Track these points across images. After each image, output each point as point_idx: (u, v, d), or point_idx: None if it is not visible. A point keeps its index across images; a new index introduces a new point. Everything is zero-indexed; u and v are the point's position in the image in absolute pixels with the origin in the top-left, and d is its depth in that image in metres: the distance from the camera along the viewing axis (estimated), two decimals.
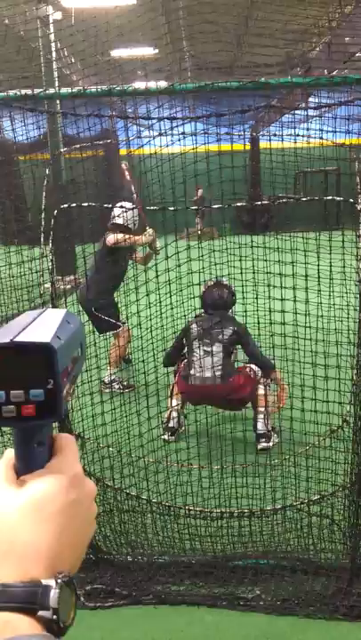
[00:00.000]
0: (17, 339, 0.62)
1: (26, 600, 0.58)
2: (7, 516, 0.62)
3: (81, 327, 0.73)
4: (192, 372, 4.77)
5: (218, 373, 4.68)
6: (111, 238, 5.74)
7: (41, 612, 0.58)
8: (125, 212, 5.92)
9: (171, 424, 5.03)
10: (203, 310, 5.07)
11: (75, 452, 0.69)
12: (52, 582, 0.59)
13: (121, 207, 5.97)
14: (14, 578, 0.59)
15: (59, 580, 0.59)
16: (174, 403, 5.05)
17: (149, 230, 5.93)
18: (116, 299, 5.98)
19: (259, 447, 4.69)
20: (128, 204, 6.05)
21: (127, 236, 5.71)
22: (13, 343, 0.61)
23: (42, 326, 0.65)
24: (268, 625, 3.03)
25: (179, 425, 5.05)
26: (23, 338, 0.62)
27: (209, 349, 4.75)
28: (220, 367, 4.71)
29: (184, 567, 3.42)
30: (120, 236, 5.71)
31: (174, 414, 5.03)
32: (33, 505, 0.62)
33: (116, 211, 5.96)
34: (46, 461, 0.66)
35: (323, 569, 3.31)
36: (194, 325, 4.89)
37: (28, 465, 0.66)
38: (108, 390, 5.33)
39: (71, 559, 0.63)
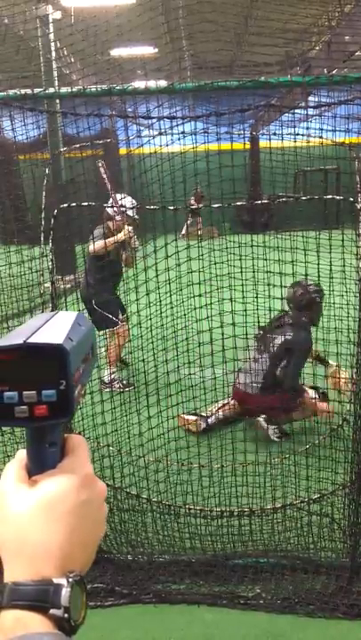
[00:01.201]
0: (30, 340, 0.63)
1: (37, 598, 0.58)
2: (19, 516, 0.62)
3: (92, 329, 0.74)
4: (239, 378, 4.77)
5: (255, 384, 4.65)
6: (91, 248, 5.55)
7: (52, 611, 0.58)
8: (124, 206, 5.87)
9: (211, 419, 4.88)
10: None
11: (86, 453, 0.70)
12: (63, 581, 0.60)
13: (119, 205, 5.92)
14: (26, 576, 0.59)
15: (70, 579, 0.60)
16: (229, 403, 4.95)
17: (127, 227, 5.86)
18: (117, 296, 5.94)
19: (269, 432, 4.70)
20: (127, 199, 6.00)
21: (106, 241, 5.67)
22: (26, 344, 0.62)
23: (54, 328, 0.66)
24: (268, 623, 3.04)
25: (215, 422, 4.87)
26: (36, 339, 0.63)
27: (258, 356, 4.73)
28: (260, 377, 4.69)
29: (184, 566, 3.42)
30: (99, 244, 5.63)
31: (220, 414, 4.93)
32: (44, 505, 0.63)
33: (111, 211, 5.92)
34: (58, 462, 0.67)
35: (323, 567, 3.32)
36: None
37: (40, 465, 0.66)
38: (107, 390, 5.31)
39: (82, 559, 0.64)
